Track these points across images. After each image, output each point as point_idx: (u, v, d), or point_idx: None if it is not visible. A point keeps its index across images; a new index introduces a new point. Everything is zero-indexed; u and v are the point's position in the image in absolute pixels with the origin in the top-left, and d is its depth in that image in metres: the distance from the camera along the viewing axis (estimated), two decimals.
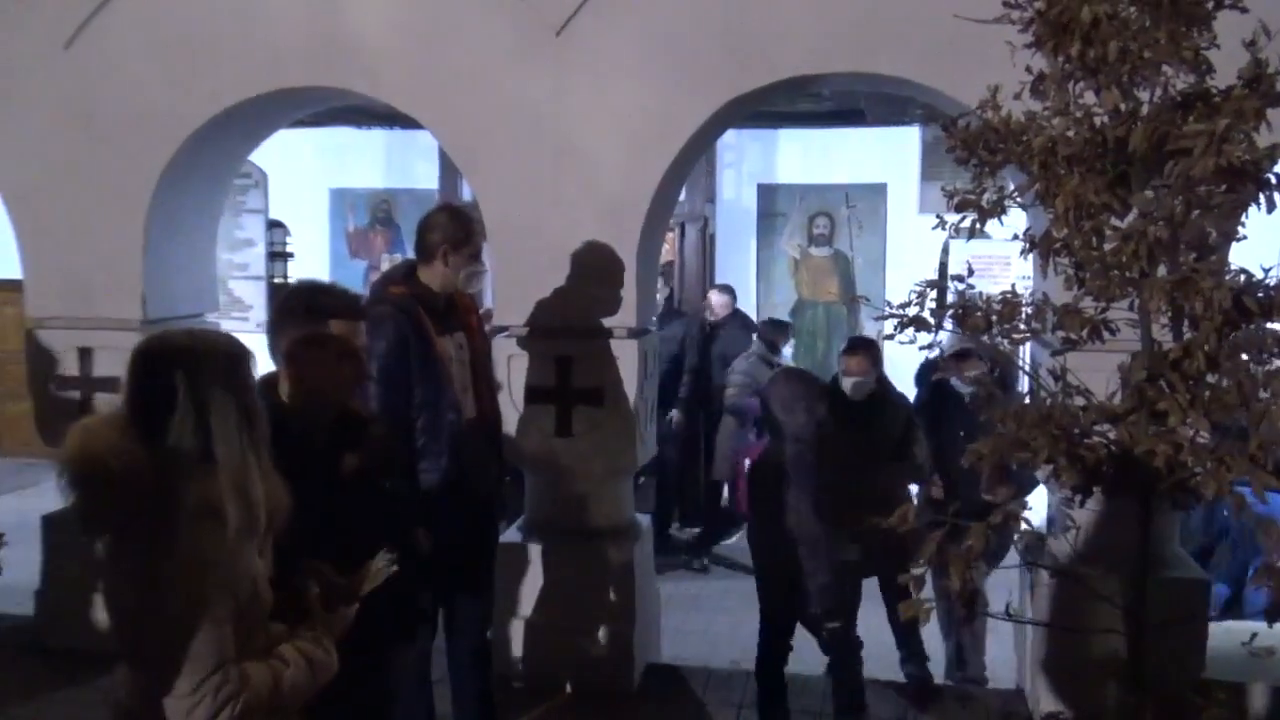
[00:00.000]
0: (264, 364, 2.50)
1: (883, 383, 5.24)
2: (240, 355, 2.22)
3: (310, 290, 2.82)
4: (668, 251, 9.26)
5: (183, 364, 2.12)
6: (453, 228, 3.87)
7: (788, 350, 7.69)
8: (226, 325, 6.01)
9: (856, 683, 4.46)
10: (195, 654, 2.04)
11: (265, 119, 5.45)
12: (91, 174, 5.13)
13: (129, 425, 2.10)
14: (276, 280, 9.34)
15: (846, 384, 5.12)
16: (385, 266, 9.66)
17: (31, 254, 5.29)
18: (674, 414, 7.92)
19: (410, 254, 4.11)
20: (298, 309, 2.76)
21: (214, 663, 2.06)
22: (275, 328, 2.78)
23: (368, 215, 10.48)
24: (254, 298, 9.14)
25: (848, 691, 4.48)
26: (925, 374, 6.11)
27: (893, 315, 3.05)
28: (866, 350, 5.16)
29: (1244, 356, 2.67)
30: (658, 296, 7.75)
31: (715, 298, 8.39)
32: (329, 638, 2.36)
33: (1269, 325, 2.68)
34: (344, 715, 2.82)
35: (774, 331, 7.82)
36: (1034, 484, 4.78)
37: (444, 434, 3.76)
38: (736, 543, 8.29)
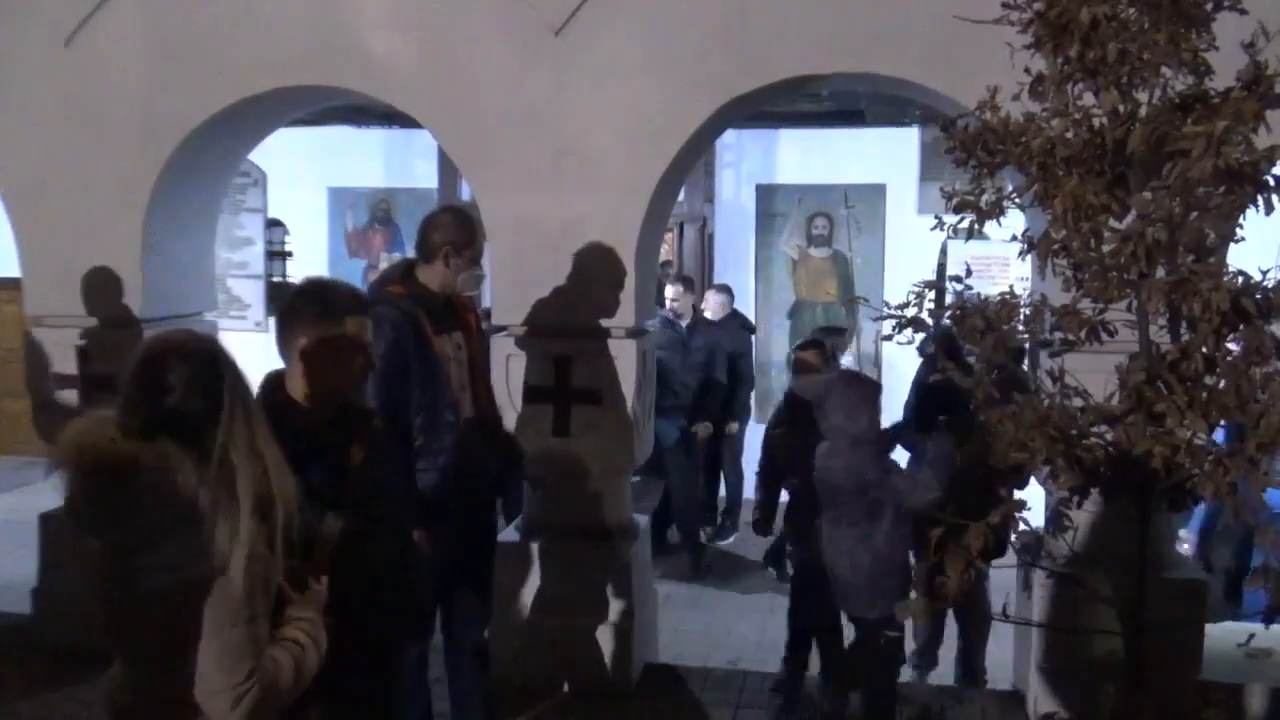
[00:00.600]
0: (255, 362, 2.51)
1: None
2: None
3: (319, 288, 2.86)
4: (666, 251, 9.24)
5: (222, 366, 2.15)
6: (457, 229, 3.87)
7: (847, 359, 7.45)
8: (225, 324, 6.02)
9: (891, 693, 4.46)
10: (238, 648, 2.07)
11: (265, 118, 5.45)
12: (91, 172, 5.13)
13: (146, 425, 2.10)
14: (275, 279, 9.34)
15: (798, 380, 5.26)
16: (384, 266, 9.65)
17: (30, 252, 5.29)
18: (701, 427, 7.80)
19: (409, 253, 4.11)
20: (311, 308, 2.79)
21: (256, 655, 2.09)
22: (287, 326, 2.80)
23: (367, 214, 10.47)
24: (252, 296, 9.15)
25: (880, 699, 4.47)
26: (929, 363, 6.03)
27: (891, 316, 3.06)
28: (819, 348, 5.43)
29: (1241, 358, 2.67)
30: (677, 305, 7.76)
31: (713, 298, 8.38)
32: (316, 613, 2.38)
33: (1267, 327, 2.68)
34: (357, 714, 2.84)
35: (828, 338, 7.62)
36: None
37: (442, 434, 3.76)
38: (734, 544, 8.31)
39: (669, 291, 7.76)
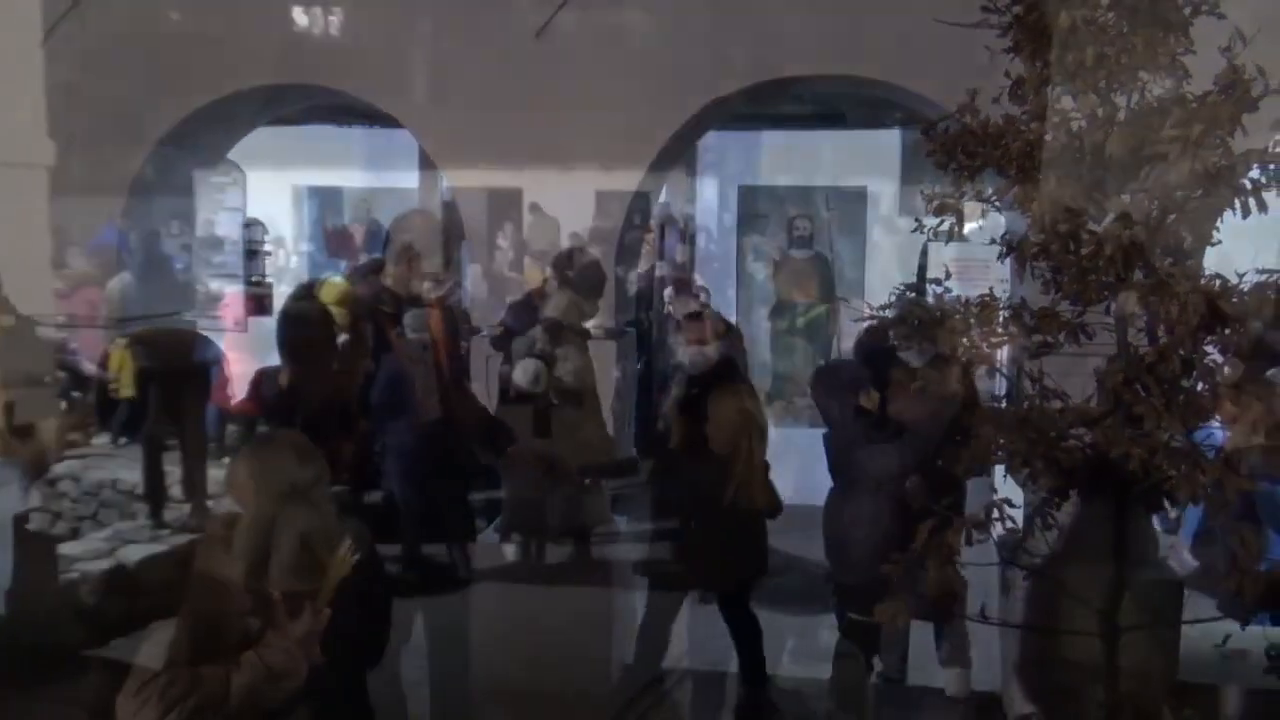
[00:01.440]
0: (232, 360, 2.51)
1: (730, 362, 4.85)
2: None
3: (321, 289, 2.91)
4: (648, 254, 9.23)
5: (162, 363, 2.15)
6: (424, 232, 3.86)
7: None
8: (203, 324, 5.97)
9: (863, 686, 4.45)
10: (155, 652, 2.04)
11: (244, 116, 5.42)
12: (67, 172, 5.09)
13: (94, 419, 2.09)
14: (254, 279, 9.27)
15: (683, 355, 4.79)
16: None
17: (5, 250, 5.24)
18: None
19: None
20: (309, 309, 2.82)
21: (161, 664, 2.05)
22: (285, 325, 2.83)
23: (347, 213, 10.41)
24: (230, 296, 9.07)
25: (844, 691, 4.46)
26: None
27: (872, 318, 3.06)
28: (705, 319, 4.83)
29: (1218, 360, 2.69)
30: (660, 305, 7.73)
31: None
32: (296, 643, 2.35)
33: (1243, 330, 2.70)
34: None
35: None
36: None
37: (402, 435, 3.75)
38: None
39: (664, 295, 7.71)
